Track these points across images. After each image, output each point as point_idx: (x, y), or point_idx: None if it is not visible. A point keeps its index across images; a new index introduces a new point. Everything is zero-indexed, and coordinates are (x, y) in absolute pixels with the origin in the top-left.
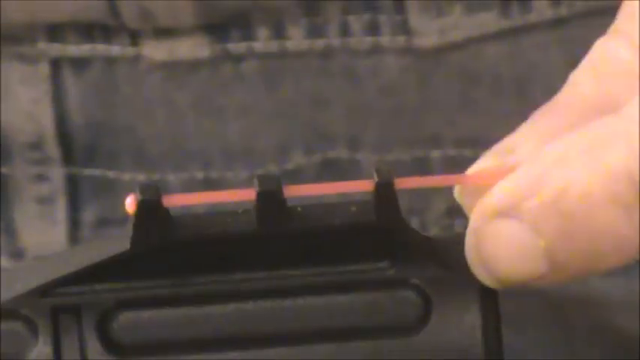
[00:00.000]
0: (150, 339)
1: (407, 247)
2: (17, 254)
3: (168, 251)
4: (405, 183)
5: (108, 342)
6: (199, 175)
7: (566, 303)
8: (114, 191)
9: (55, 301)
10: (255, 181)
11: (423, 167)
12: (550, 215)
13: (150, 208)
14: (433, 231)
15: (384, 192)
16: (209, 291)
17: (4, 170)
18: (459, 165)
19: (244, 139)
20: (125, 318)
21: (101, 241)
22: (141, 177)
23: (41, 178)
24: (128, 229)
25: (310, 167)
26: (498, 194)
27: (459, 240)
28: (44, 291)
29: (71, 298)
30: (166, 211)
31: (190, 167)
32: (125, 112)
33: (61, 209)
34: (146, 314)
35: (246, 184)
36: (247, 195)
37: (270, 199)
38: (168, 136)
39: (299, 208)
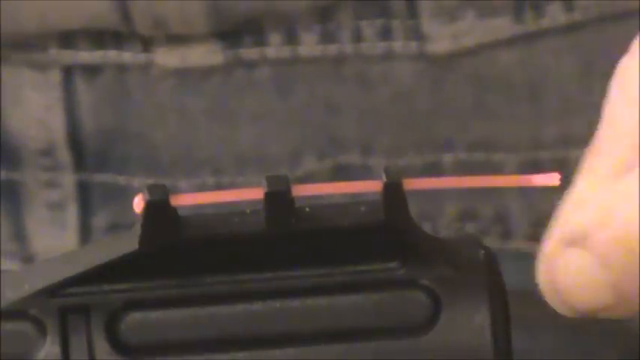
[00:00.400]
0: (158, 339)
1: (416, 248)
2: (28, 260)
3: (176, 251)
4: (413, 184)
5: (116, 342)
6: (210, 180)
7: None
8: (124, 197)
9: (63, 302)
10: (264, 181)
11: (435, 172)
12: (618, 250)
13: (158, 208)
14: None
15: (393, 192)
16: (217, 291)
17: (14, 176)
18: (471, 169)
19: (256, 145)
20: (133, 318)
21: (109, 241)
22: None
23: (52, 184)
24: (136, 229)
25: (322, 173)
26: (570, 224)
27: (469, 240)
28: (52, 291)
29: (79, 298)
30: (174, 211)
31: (202, 173)
32: (137, 119)
33: (71, 215)
34: (154, 314)
35: None
36: (255, 194)
37: (278, 199)
38: (180, 142)
39: (307, 209)
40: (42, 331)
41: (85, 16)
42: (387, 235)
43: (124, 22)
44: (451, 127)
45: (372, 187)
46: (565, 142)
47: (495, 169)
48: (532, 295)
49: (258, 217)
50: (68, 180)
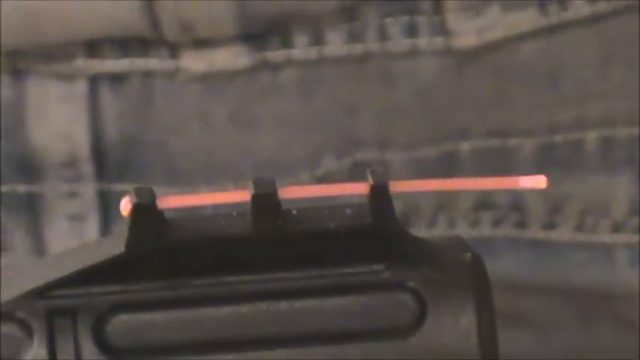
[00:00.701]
0: (145, 341)
1: (402, 250)
2: None
3: (163, 254)
4: (399, 186)
5: (103, 344)
6: (230, 187)
7: (589, 297)
8: None
9: (50, 304)
10: (251, 184)
11: (452, 161)
12: None
13: (144, 210)
14: (461, 226)
15: (379, 194)
16: (204, 293)
17: (34, 189)
18: (488, 157)
19: (277, 148)
20: (120, 321)
21: (96, 244)
22: (172, 191)
23: (73, 195)
24: (123, 232)
25: (341, 171)
26: None
27: (455, 242)
28: (39, 293)
29: (66, 300)
30: (161, 213)
31: (222, 179)
32: (158, 127)
33: (92, 226)
34: (141, 317)
35: None
36: (242, 196)
37: (265, 201)
38: (202, 149)
39: (294, 211)
40: (29, 333)
41: (112, 24)
42: (374, 238)
43: (152, 28)
44: (469, 116)
45: (358, 189)
46: (580, 125)
47: (511, 155)
48: (542, 292)
49: (244, 219)
50: (89, 190)
